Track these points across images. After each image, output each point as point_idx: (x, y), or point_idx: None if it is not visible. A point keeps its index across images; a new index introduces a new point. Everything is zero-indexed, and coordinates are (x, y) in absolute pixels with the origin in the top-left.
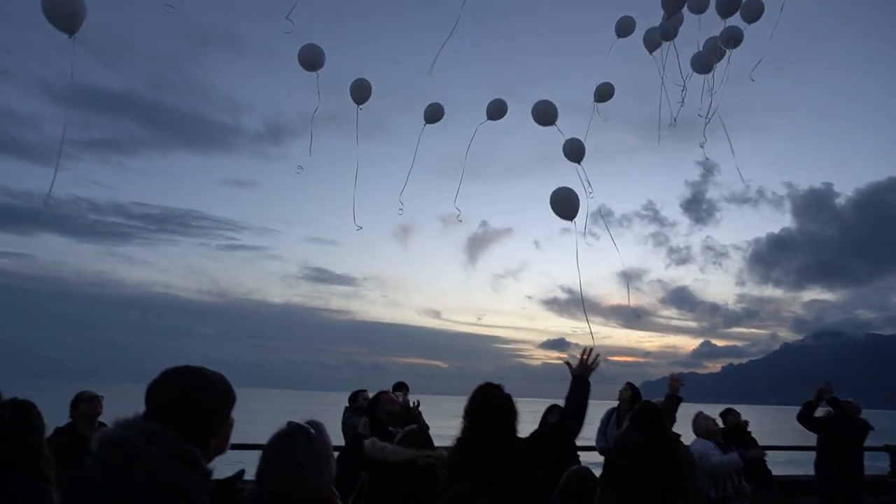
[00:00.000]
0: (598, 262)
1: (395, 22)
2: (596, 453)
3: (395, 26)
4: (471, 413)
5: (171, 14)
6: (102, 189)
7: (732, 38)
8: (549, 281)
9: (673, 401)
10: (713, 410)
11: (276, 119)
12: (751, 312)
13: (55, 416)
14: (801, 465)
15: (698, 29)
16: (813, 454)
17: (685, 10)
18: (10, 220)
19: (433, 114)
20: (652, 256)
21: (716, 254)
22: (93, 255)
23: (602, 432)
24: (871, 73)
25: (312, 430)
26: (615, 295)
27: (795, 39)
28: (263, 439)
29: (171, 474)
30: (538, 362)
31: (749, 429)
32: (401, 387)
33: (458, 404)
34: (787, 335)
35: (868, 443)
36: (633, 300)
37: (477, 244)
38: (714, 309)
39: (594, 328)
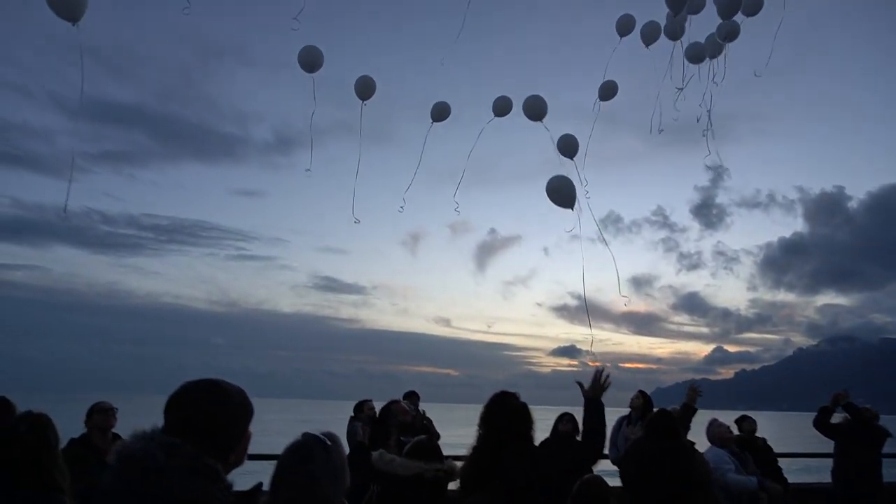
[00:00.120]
0: (607, 268)
1: (401, 28)
2: (608, 461)
3: (400, 33)
4: (487, 422)
5: (181, 28)
6: (114, 201)
7: (730, 33)
8: (559, 288)
9: (688, 411)
10: (726, 417)
11: (283, 129)
12: (763, 318)
13: (69, 427)
14: (817, 473)
15: (700, 27)
16: (829, 461)
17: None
18: (24, 232)
19: (440, 112)
20: (662, 262)
21: (727, 259)
22: (105, 266)
23: (613, 441)
24: (882, 75)
25: (329, 442)
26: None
27: (804, 41)
28: (276, 449)
29: (191, 488)
30: (548, 369)
31: (761, 435)
32: (411, 395)
33: (469, 412)
34: (800, 340)
35: (886, 449)
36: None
37: (486, 252)
38: (726, 314)
39: (605, 335)
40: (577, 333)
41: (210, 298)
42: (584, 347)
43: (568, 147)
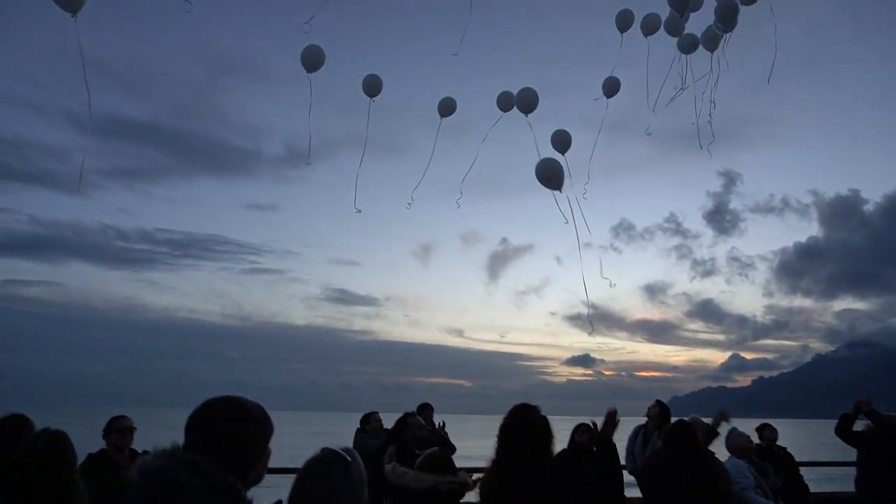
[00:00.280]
0: (621, 276)
1: (412, 39)
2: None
3: (413, 43)
4: (507, 434)
5: (193, 44)
6: (129, 217)
7: (726, 16)
8: (572, 297)
9: (712, 434)
10: (745, 425)
11: (294, 143)
12: (780, 324)
13: (86, 442)
14: (840, 482)
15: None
16: (852, 470)
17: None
18: (40, 248)
19: (446, 107)
20: (676, 269)
21: (741, 265)
22: (120, 281)
23: (630, 451)
24: None
25: (348, 458)
26: (640, 309)
27: (817, 43)
28: (290, 463)
29: None
30: (563, 379)
31: (782, 443)
32: (425, 408)
33: (483, 423)
34: (818, 346)
35: None
36: (659, 314)
37: (498, 261)
38: (742, 321)
39: (620, 343)
40: (591, 342)
41: (224, 312)
42: (599, 356)
43: (561, 142)
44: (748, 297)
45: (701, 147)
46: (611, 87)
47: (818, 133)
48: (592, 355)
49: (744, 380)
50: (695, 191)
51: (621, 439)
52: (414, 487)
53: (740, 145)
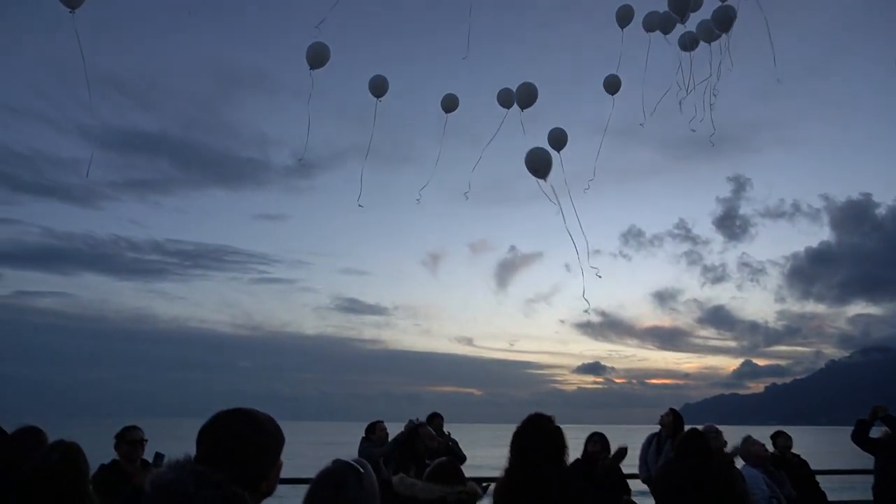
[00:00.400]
0: (631, 284)
1: (420, 47)
2: (638, 480)
3: (420, 51)
4: (520, 444)
5: (203, 56)
6: (140, 228)
7: (724, 19)
8: (582, 304)
9: (730, 457)
10: (758, 433)
11: (304, 153)
12: (792, 330)
13: (98, 452)
14: (857, 490)
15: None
16: (870, 477)
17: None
18: (53, 260)
19: (449, 102)
20: (686, 276)
21: (752, 270)
22: (131, 292)
23: (643, 459)
24: None
25: (361, 469)
26: (650, 316)
27: (827, 46)
28: (302, 474)
29: None
30: (573, 387)
31: (797, 451)
32: (435, 417)
33: (493, 432)
34: (832, 352)
35: None
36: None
37: (507, 270)
38: (754, 327)
39: (631, 351)
40: (601, 350)
41: (235, 322)
42: (609, 364)
43: (557, 139)
44: (760, 303)
45: (709, 142)
46: (611, 85)
47: (829, 137)
48: (603, 363)
49: (756, 387)
50: (704, 196)
51: (634, 447)
52: (422, 498)
53: (750, 150)
